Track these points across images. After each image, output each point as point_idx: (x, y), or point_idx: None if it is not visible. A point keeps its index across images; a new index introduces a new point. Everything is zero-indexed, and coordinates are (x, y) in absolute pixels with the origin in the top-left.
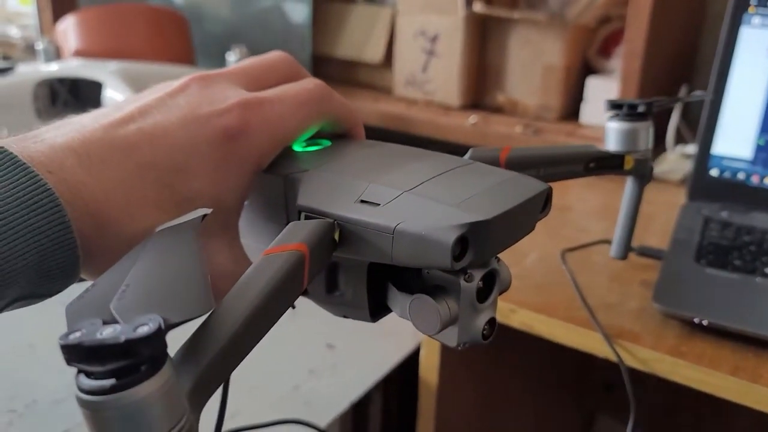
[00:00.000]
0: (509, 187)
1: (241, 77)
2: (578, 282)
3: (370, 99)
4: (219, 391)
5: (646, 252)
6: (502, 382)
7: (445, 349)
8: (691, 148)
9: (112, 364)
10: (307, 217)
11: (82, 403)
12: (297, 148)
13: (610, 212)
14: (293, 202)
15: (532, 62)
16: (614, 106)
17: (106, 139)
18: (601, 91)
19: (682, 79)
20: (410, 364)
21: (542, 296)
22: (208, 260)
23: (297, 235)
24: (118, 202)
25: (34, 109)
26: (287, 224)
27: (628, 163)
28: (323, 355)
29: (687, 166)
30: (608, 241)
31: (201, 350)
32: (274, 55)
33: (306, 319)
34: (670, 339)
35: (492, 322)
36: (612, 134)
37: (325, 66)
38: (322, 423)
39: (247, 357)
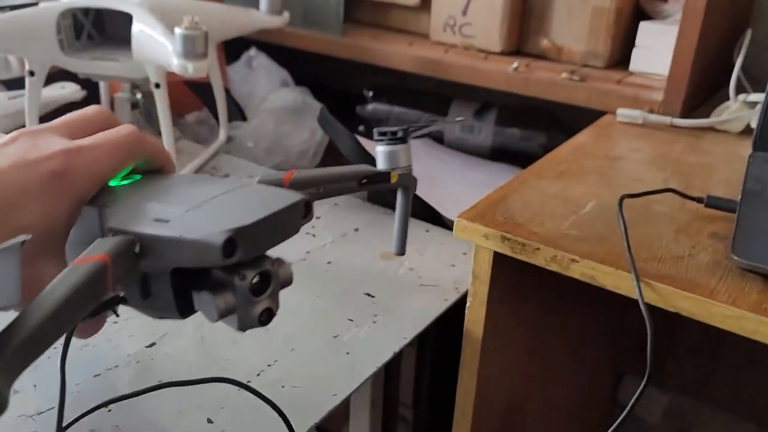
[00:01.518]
0: (271, 200)
1: (63, 129)
2: (642, 232)
3: (404, 43)
4: None
5: (715, 203)
6: (543, 338)
7: (491, 302)
8: (755, 97)
9: None
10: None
11: None
12: (113, 183)
13: (666, 162)
14: (105, 225)
15: (579, 4)
16: (380, 134)
17: None
18: (654, 36)
19: (742, 25)
20: (446, 316)
21: (605, 246)
22: (39, 279)
23: (101, 248)
24: None
25: (57, 42)
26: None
27: (394, 178)
28: (363, 305)
29: (749, 116)
30: (675, 191)
31: (9, 337)
32: (92, 108)
33: (343, 269)
34: (753, 294)
35: (269, 310)
36: (380, 157)
37: (356, 9)
38: (364, 373)
39: (283, 305)
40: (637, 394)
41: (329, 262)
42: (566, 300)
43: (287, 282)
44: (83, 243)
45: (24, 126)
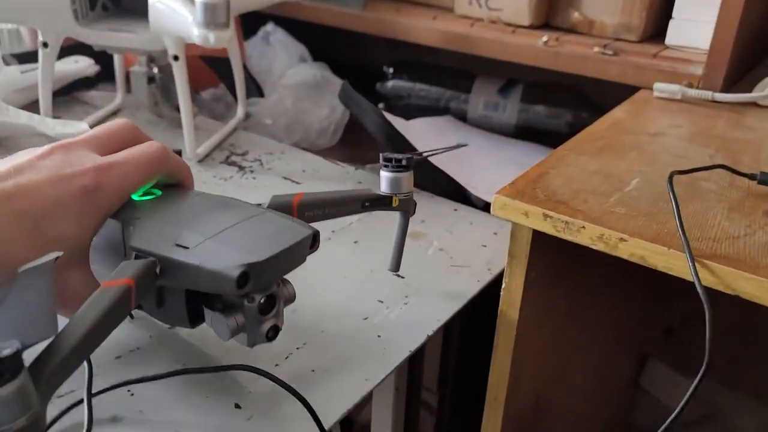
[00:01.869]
0: (282, 234)
1: (92, 143)
2: (691, 211)
3: (427, 17)
4: None
5: None
6: (572, 320)
7: (528, 283)
8: None
9: None
10: (137, 256)
11: None
12: (135, 197)
13: (709, 138)
14: (128, 242)
15: None
16: (386, 159)
17: None
18: (693, 8)
19: None
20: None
21: (654, 225)
22: (66, 286)
23: (126, 271)
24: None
25: (71, 12)
26: (125, 256)
27: (395, 202)
28: (392, 286)
29: None
30: (726, 167)
31: (48, 360)
32: (119, 122)
33: (370, 248)
34: None
35: (275, 327)
36: (384, 181)
37: None
38: (396, 358)
39: (311, 285)
40: (694, 384)
41: (356, 242)
42: (594, 280)
43: (290, 300)
44: (102, 250)
45: (36, 100)
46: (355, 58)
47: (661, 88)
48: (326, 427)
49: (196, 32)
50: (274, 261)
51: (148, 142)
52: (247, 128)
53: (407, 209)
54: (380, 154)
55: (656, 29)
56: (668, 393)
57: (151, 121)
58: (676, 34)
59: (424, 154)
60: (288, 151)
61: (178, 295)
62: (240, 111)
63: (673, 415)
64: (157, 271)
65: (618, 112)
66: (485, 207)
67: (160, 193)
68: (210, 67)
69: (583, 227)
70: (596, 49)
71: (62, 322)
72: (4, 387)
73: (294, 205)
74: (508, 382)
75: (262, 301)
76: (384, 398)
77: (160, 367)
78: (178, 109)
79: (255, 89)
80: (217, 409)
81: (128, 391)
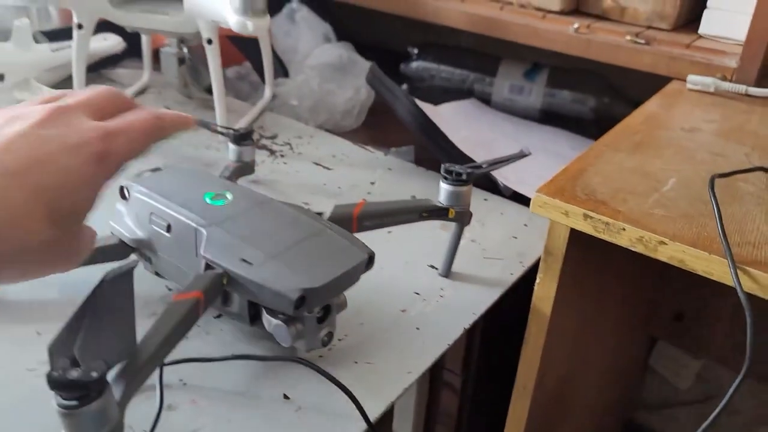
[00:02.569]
0: (341, 257)
1: (89, 109)
2: (730, 213)
3: (455, 0)
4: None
5: None
6: (596, 308)
7: (563, 279)
8: None
9: (75, 393)
10: (207, 265)
11: (58, 413)
12: (207, 199)
13: (743, 135)
14: (199, 249)
15: None
16: (446, 172)
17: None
18: None
19: None
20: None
21: (693, 228)
22: (79, 245)
23: (197, 284)
24: (17, 220)
25: None
26: (195, 257)
27: (452, 214)
28: (428, 278)
29: None
30: (766, 170)
31: (128, 374)
32: (107, 88)
33: (404, 240)
34: None
35: (330, 333)
36: (443, 193)
37: None
38: (436, 350)
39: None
40: (734, 386)
41: (389, 232)
42: (615, 272)
43: (342, 307)
44: (180, 248)
45: (67, 79)
46: (375, 38)
47: (694, 80)
48: (371, 420)
49: (233, 19)
50: (331, 285)
51: (142, 108)
52: (273, 109)
53: (463, 221)
54: (442, 166)
55: (689, 17)
56: (676, 372)
57: (179, 101)
58: (710, 23)
59: (485, 167)
60: (316, 134)
61: (243, 299)
62: (267, 92)
63: (716, 411)
64: (224, 281)
65: (651, 106)
66: (513, 196)
67: (230, 197)
68: (237, 47)
69: (624, 229)
70: (628, 37)
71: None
72: (90, 405)
73: (354, 216)
74: (537, 372)
75: (319, 313)
76: None
77: (209, 354)
78: (207, 90)
79: (280, 68)
80: (267, 399)
81: (181, 380)
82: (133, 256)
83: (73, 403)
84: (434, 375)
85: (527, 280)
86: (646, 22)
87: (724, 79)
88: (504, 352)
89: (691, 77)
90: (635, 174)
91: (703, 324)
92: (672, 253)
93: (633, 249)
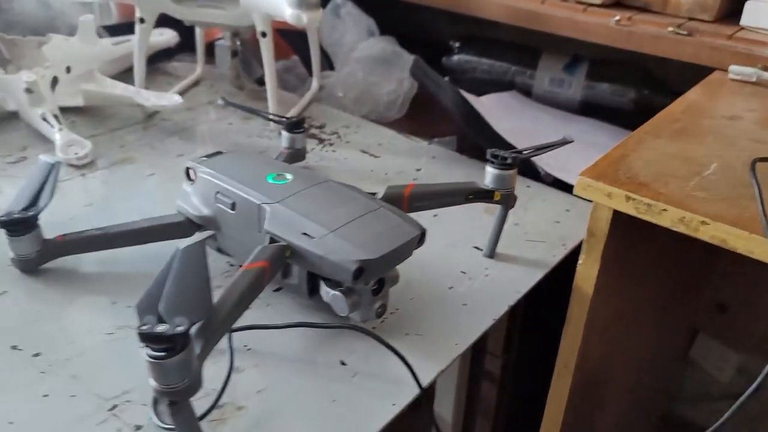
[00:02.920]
0: (395, 232)
1: None
2: None
3: None
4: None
5: None
6: (634, 293)
7: (604, 260)
8: None
9: (163, 345)
10: (271, 239)
11: (147, 362)
12: (269, 179)
13: None
14: (263, 223)
15: None
16: (492, 156)
17: None
18: None
19: None
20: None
21: (734, 209)
22: None
23: (263, 255)
24: None
25: None
26: (258, 232)
27: (497, 197)
28: (473, 258)
29: None
30: None
31: (205, 332)
32: None
33: (449, 222)
34: None
35: (383, 306)
36: (488, 176)
37: None
38: (483, 325)
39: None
40: (765, 371)
41: (435, 215)
42: (655, 257)
43: (394, 281)
44: (245, 226)
45: (125, 71)
46: (417, 32)
47: (736, 70)
48: (423, 385)
49: (288, 12)
50: (387, 258)
51: None
52: (320, 100)
53: (507, 203)
54: (487, 150)
55: (730, 9)
56: (717, 366)
57: (231, 93)
58: (752, 15)
59: (526, 153)
60: (362, 124)
61: (301, 272)
62: (315, 84)
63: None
64: (287, 254)
65: (693, 95)
66: (554, 183)
67: (291, 177)
68: (285, 41)
69: (665, 210)
70: (670, 28)
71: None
72: (176, 356)
73: (405, 196)
74: (578, 352)
75: (374, 285)
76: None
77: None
78: (257, 81)
79: (326, 61)
80: (324, 365)
81: (245, 346)
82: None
83: (162, 354)
84: (474, 360)
85: (567, 263)
86: (687, 13)
87: (765, 69)
88: (542, 337)
89: (732, 67)
90: (676, 159)
91: (746, 316)
92: (713, 232)
93: (674, 229)
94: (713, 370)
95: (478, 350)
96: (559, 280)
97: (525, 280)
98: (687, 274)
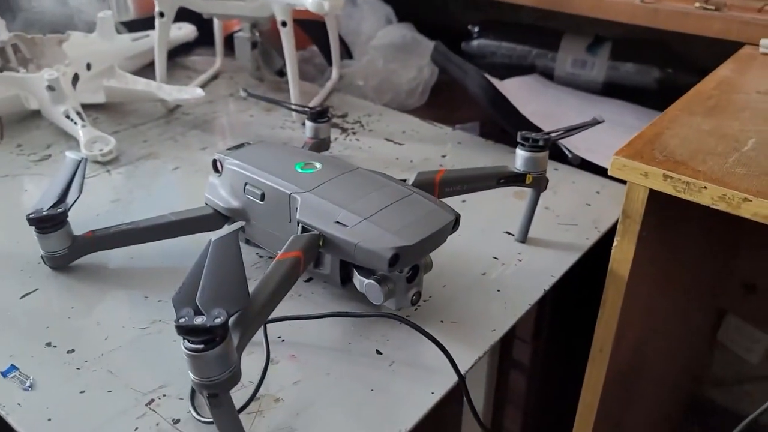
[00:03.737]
0: (430, 218)
1: None
2: None
3: None
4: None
5: None
6: (667, 275)
7: (640, 241)
8: None
9: (202, 337)
10: (303, 229)
11: (186, 355)
12: (298, 168)
13: None
14: (294, 213)
15: None
16: (523, 138)
17: None
18: None
19: None
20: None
21: None
22: None
23: (296, 245)
24: None
25: None
26: (289, 222)
27: (529, 180)
28: (505, 244)
29: None
30: None
31: (243, 323)
32: None
33: (479, 208)
34: None
35: (418, 293)
36: (519, 159)
37: None
38: (518, 310)
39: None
40: None
41: (464, 201)
42: (687, 237)
43: (428, 268)
44: (276, 216)
45: (145, 67)
46: (435, 18)
47: (767, 44)
48: (462, 372)
49: (310, 0)
50: (422, 244)
51: None
52: (339, 89)
53: (539, 186)
54: (518, 133)
55: None
56: (746, 347)
57: (251, 85)
58: None
59: (554, 135)
60: (385, 112)
61: (334, 261)
62: (335, 73)
63: None
64: (321, 243)
65: (724, 70)
66: (582, 165)
67: (319, 166)
68: (304, 31)
69: (705, 187)
70: (697, 4)
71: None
72: (215, 348)
73: (436, 182)
74: (614, 336)
75: (408, 273)
76: None
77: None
78: (278, 73)
79: (344, 51)
80: (360, 354)
81: (279, 337)
82: (239, 222)
83: (200, 346)
84: (504, 348)
85: (600, 246)
86: None
87: None
88: (572, 324)
89: (764, 41)
90: (713, 136)
91: None
92: (756, 209)
93: (715, 207)
94: (742, 352)
95: (507, 337)
96: (587, 265)
97: (558, 264)
98: (715, 255)
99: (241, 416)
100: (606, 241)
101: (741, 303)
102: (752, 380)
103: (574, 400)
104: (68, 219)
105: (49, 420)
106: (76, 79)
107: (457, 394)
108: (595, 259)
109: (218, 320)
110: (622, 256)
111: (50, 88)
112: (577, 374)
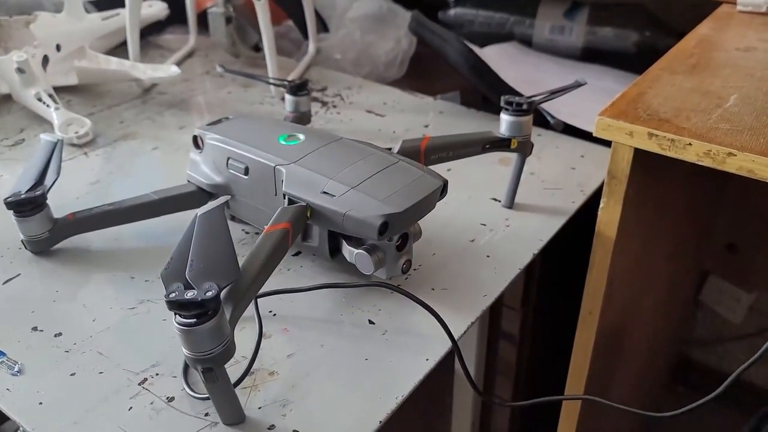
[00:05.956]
0: (418, 185)
1: None
2: None
3: None
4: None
5: None
6: (652, 237)
7: (626, 202)
8: None
9: (194, 311)
10: (290, 201)
11: (179, 331)
12: (281, 140)
13: None
14: (280, 185)
15: None
16: (507, 103)
17: None
18: None
19: None
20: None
21: (760, 139)
22: None
23: (284, 217)
24: None
25: None
26: (275, 195)
27: (514, 144)
28: (492, 210)
29: None
30: None
31: (235, 295)
32: None
33: (464, 175)
34: None
35: (408, 261)
36: (504, 124)
37: None
38: (508, 275)
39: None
40: None
41: (449, 170)
42: (671, 197)
43: (418, 236)
44: (261, 189)
45: (117, 47)
46: None
47: (745, 2)
48: (455, 337)
49: None
50: (411, 211)
51: None
52: (317, 63)
53: (524, 151)
54: (502, 98)
55: None
56: (728, 307)
57: (227, 61)
58: None
59: (538, 99)
60: (364, 84)
61: (322, 233)
62: (312, 47)
63: None
64: (308, 214)
65: (703, 29)
66: (565, 129)
67: (303, 137)
68: (278, 5)
69: (690, 144)
70: None
71: None
72: (208, 322)
73: (422, 149)
74: (602, 297)
75: (398, 241)
76: None
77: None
78: (254, 48)
79: (320, 24)
80: (353, 325)
81: (270, 311)
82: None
83: (192, 320)
84: (493, 315)
85: (585, 211)
86: None
87: None
88: (559, 290)
89: None
90: (695, 93)
91: (757, 255)
92: (741, 163)
93: (700, 163)
94: (725, 312)
95: (496, 305)
96: (571, 231)
97: (546, 228)
98: (699, 215)
99: (237, 391)
100: (592, 204)
101: (723, 263)
102: (734, 339)
103: (563, 365)
104: (47, 202)
105: (41, 404)
106: (46, 60)
107: (449, 361)
108: (578, 226)
109: (210, 293)
110: (608, 218)
111: (20, 70)
112: (565, 339)
